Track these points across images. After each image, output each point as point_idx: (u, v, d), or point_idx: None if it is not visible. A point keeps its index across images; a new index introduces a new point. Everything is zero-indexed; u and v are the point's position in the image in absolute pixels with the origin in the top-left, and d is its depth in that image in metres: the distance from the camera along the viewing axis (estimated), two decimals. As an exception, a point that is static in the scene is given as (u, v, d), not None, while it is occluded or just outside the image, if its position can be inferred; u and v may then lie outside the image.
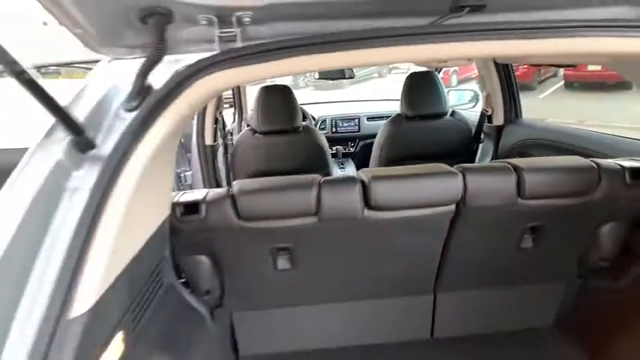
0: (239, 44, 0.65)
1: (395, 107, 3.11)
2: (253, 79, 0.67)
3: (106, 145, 0.63)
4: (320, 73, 2.86)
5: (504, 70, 1.92)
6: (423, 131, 1.94)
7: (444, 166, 1.05)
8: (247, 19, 0.64)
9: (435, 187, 1.01)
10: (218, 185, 2.03)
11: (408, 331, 1.30)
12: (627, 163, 1.08)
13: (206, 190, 1.04)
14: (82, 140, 0.61)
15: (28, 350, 0.48)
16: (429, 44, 0.66)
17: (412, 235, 1.08)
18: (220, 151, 2.22)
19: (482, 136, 2.11)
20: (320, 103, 3.40)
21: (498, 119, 1.98)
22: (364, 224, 1.02)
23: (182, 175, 1.96)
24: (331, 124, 2.89)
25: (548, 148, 1.74)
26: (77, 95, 0.71)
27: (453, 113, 2.01)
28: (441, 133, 1.96)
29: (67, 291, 0.52)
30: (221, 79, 0.62)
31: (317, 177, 1.02)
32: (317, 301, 1.24)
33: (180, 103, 0.62)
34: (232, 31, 0.64)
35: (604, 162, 1.07)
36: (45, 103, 0.54)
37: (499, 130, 1.99)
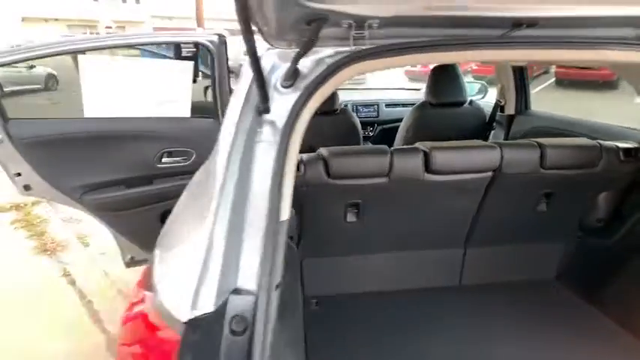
0: (366, 43, 0.91)
1: (409, 96, 3.38)
2: (377, 69, 0.92)
3: (276, 111, 0.88)
4: None
5: (518, 66, 2.20)
6: (445, 117, 2.22)
7: (484, 142, 1.34)
8: (375, 25, 0.89)
9: (479, 157, 1.30)
10: None
11: (441, 279, 1.60)
12: (621, 144, 1.40)
13: (299, 154, 1.29)
14: (262, 106, 0.86)
15: (261, 241, 0.73)
16: (498, 50, 0.94)
17: (456, 196, 1.37)
18: None
19: (494, 124, 2.40)
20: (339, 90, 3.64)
21: (510, 109, 2.28)
22: (423, 185, 1.30)
23: None
24: (352, 110, 3.15)
25: (554, 135, 2.04)
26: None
27: (471, 102, 2.29)
28: (461, 119, 2.25)
29: (279, 203, 0.77)
30: (357, 68, 0.88)
31: (386, 147, 1.29)
32: (373, 250, 1.52)
33: (330, 83, 0.87)
34: (363, 33, 0.89)
35: (604, 142, 1.38)
36: (257, 75, 0.79)
37: (510, 118, 2.29)
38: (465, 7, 0.89)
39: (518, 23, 0.96)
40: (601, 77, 9.77)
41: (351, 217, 1.40)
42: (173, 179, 1.97)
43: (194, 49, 1.79)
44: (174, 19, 33.01)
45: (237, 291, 0.68)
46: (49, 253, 3.11)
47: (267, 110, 0.87)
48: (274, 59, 0.96)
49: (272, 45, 0.96)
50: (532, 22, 0.96)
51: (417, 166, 1.28)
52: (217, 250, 0.69)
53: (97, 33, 21.39)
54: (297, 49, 0.89)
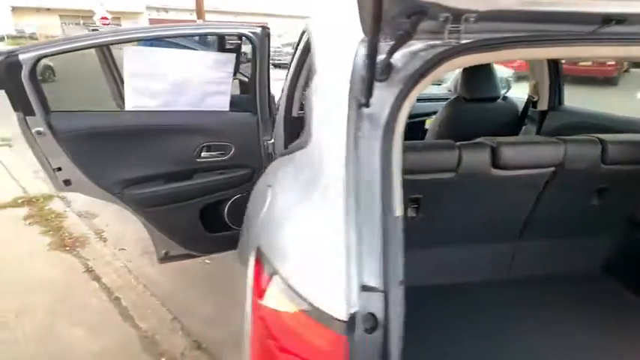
0: (461, 37, 0.89)
1: (433, 90, 3.37)
2: (472, 63, 0.91)
3: (375, 105, 0.86)
4: None
5: (553, 61, 2.20)
6: (478, 112, 2.22)
7: (549, 137, 1.34)
8: (472, 19, 0.87)
9: (544, 152, 1.30)
10: None
11: (492, 271, 1.60)
12: None
13: None
14: (364, 99, 0.85)
15: (381, 238, 0.72)
16: (588, 46, 0.93)
17: (516, 191, 1.38)
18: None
19: (525, 119, 2.40)
20: None
21: (543, 105, 2.27)
22: (488, 180, 1.30)
23: (264, 143, 2.05)
24: None
25: (589, 130, 2.05)
26: None
27: (505, 98, 2.29)
28: (494, 114, 2.25)
29: (392, 199, 0.76)
30: (456, 62, 0.86)
31: (453, 142, 1.28)
32: (428, 245, 1.52)
33: (429, 77, 0.86)
34: (459, 27, 0.88)
35: None
36: (371, 69, 0.77)
37: (543, 114, 2.29)
38: (559, 2, 0.88)
39: (607, 19, 0.95)
40: (602, 73, 9.84)
41: (410, 212, 1.39)
42: (212, 174, 1.95)
43: (238, 41, 1.76)
44: (171, 10, 32.62)
45: (365, 288, 0.67)
46: (68, 249, 3.07)
47: (367, 104, 0.86)
48: (363, 52, 0.95)
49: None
50: (621, 18, 0.95)
51: (485, 161, 1.28)
52: (353, 249, 0.68)
53: (92, 24, 21.03)
54: (392, 42, 0.87)
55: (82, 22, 27.70)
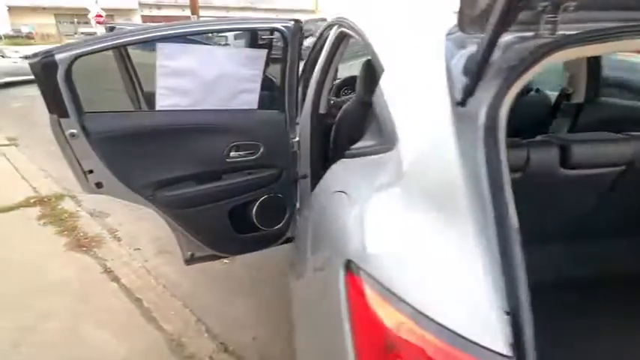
0: (558, 27, 0.83)
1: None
2: (577, 56, 0.85)
3: (471, 103, 0.80)
4: None
5: (592, 53, 2.13)
6: (513, 105, 2.14)
7: (618, 134, 1.28)
8: (571, 8, 0.81)
9: (615, 150, 1.25)
10: (326, 153, 2.17)
11: (554, 272, 1.54)
12: None
13: None
14: (462, 98, 0.80)
15: (499, 253, 0.67)
16: None
17: (582, 191, 1.32)
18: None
19: (557, 113, 2.33)
20: None
21: (579, 97, 2.20)
22: (556, 179, 1.24)
23: (290, 141, 1.93)
24: None
25: (628, 123, 1.98)
26: None
27: (538, 90, 2.23)
28: (527, 107, 2.18)
29: (509, 208, 0.72)
30: (560, 55, 0.80)
31: (520, 139, 1.22)
32: None
33: (529, 73, 0.80)
34: (556, 17, 0.82)
35: None
36: (482, 66, 0.71)
37: (578, 107, 2.22)
38: None
39: None
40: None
41: None
42: (241, 174, 1.89)
43: (271, 36, 1.70)
44: (163, 7, 32.36)
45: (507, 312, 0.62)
46: (84, 249, 3.01)
47: (464, 103, 0.80)
48: (450, 46, 0.89)
49: (464, 31, 0.88)
50: None
51: (554, 160, 1.22)
52: (488, 268, 0.63)
53: (87, 22, 20.82)
54: (483, 35, 0.81)
55: (76, 20, 27.48)
